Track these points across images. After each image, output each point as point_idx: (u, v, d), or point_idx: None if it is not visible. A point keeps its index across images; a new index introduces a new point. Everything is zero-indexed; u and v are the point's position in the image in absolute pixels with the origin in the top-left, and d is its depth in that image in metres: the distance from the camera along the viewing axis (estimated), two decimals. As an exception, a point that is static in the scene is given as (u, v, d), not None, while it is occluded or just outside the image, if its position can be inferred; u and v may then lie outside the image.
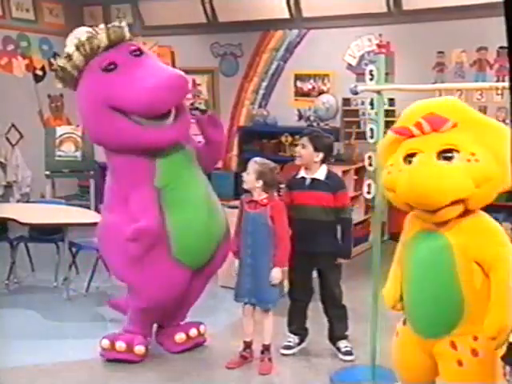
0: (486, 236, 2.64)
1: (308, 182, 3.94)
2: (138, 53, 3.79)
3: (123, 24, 3.85)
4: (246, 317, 3.90)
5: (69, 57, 3.71)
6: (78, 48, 3.67)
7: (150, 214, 3.64)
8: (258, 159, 3.82)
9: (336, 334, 4.03)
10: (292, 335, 4.09)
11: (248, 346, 3.92)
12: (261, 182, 3.73)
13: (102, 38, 3.69)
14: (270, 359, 3.85)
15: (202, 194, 3.89)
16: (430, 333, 2.71)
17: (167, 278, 3.75)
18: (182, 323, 4.16)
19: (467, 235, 2.63)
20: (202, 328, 4.14)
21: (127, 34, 3.85)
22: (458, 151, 2.58)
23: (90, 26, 3.85)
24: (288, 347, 4.05)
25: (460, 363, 2.63)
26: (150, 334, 4.06)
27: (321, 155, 3.91)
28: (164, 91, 3.54)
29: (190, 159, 3.90)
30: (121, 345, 3.86)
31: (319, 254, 3.90)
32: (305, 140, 3.93)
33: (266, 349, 3.86)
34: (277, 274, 3.72)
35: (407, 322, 2.83)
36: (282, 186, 4.18)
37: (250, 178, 3.75)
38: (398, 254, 2.88)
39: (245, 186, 3.83)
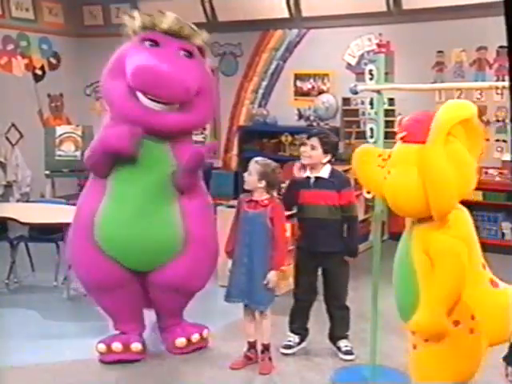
0: (436, 229, 2.77)
1: (312, 180, 3.93)
2: (187, 54, 3.83)
3: (198, 30, 3.90)
4: (246, 317, 3.88)
5: (132, 17, 3.85)
6: (142, 14, 3.84)
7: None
8: (259, 159, 3.79)
9: (337, 333, 4.03)
10: (292, 334, 4.08)
11: (252, 346, 3.90)
12: (263, 183, 3.71)
13: (165, 22, 3.77)
14: (269, 358, 3.84)
15: (151, 199, 3.75)
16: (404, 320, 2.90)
17: (88, 261, 3.80)
18: (183, 323, 4.10)
19: (426, 229, 2.80)
20: (205, 332, 4.10)
21: (194, 37, 3.86)
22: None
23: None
24: (288, 347, 4.04)
25: (414, 346, 2.86)
26: (140, 329, 4.02)
27: (329, 156, 3.93)
28: (145, 74, 3.58)
29: (165, 165, 3.79)
30: (117, 345, 3.84)
31: (324, 253, 3.89)
32: (315, 141, 3.90)
33: (265, 348, 3.85)
34: (273, 277, 3.69)
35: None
36: (284, 185, 4.18)
37: (252, 179, 3.73)
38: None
39: (246, 187, 3.80)
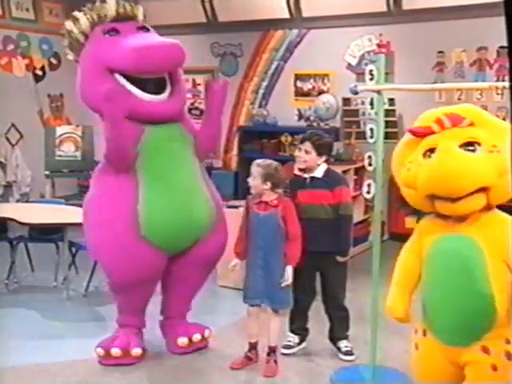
0: (508, 233, 2.53)
1: (308, 180, 3.94)
2: (146, 30, 3.89)
3: (139, 6, 3.95)
4: (250, 317, 3.85)
5: (76, 20, 3.82)
6: (85, 13, 3.81)
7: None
8: (260, 162, 3.78)
9: (336, 334, 4.03)
10: (292, 335, 4.08)
11: (253, 347, 3.90)
12: (269, 184, 3.71)
13: (110, 9, 3.80)
14: (275, 361, 3.81)
15: (185, 178, 3.84)
16: (459, 341, 2.60)
17: (134, 256, 3.70)
18: (185, 323, 4.10)
19: (493, 234, 2.57)
20: (206, 333, 4.09)
21: (139, 15, 3.93)
22: (479, 144, 2.56)
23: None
24: (288, 347, 4.04)
25: (495, 368, 2.54)
26: (141, 323, 4.01)
27: (324, 158, 3.94)
28: (149, 51, 3.59)
29: (182, 141, 3.89)
30: (116, 351, 3.81)
31: (319, 253, 3.88)
32: (308, 146, 3.90)
33: (272, 351, 3.82)
34: (291, 272, 3.71)
35: (429, 332, 2.70)
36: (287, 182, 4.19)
37: (256, 183, 3.73)
38: (408, 263, 2.77)
39: (253, 191, 3.78)
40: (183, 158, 3.89)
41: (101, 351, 3.84)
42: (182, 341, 3.98)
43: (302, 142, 3.97)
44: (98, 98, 3.64)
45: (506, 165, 2.48)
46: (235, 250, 3.86)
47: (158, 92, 3.78)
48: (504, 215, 2.66)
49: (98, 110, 3.76)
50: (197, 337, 4.04)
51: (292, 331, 4.09)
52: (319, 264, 3.97)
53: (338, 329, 4.02)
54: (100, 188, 3.88)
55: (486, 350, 2.55)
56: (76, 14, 3.84)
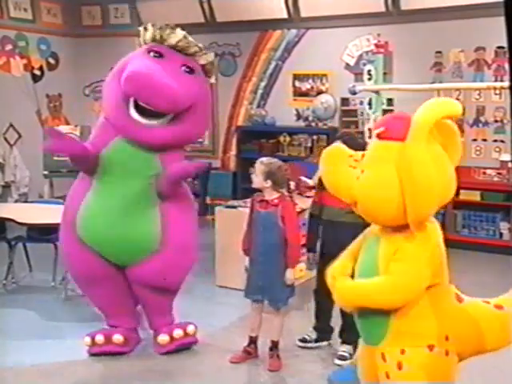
0: (408, 239, 2.52)
1: None
2: (187, 69, 3.91)
3: (206, 51, 4.02)
4: (253, 312, 3.93)
5: (145, 29, 3.98)
6: (154, 27, 3.94)
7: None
8: (264, 159, 3.84)
9: (343, 337, 4.03)
10: (312, 330, 4.15)
11: (253, 341, 3.95)
12: (270, 182, 3.75)
13: (174, 38, 3.90)
14: (278, 356, 3.88)
15: (132, 197, 3.84)
16: (369, 341, 2.71)
17: (72, 254, 3.99)
18: (171, 324, 4.10)
19: (396, 238, 2.55)
20: (189, 329, 4.05)
21: (200, 58, 3.98)
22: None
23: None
24: (304, 340, 4.12)
25: (387, 376, 2.59)
26: (131, 323, 4.09)
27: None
28: (130, 79, 3.67)
29: (147, 165, 3.85)
30: (99, 338, 3.98)
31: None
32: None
33: (274, 346, 3.89)
34: (289, 275, 3.75)
35: None
36: (292, 183, 4.20)
37: (257, 180, 3.78)
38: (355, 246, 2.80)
39: (254, 186, 3.85)
40: (140, 180, 3.85)
41: (88, 339, 4.01)
42: (162, 338, 3.98)
43: (333, 141, 3.97)
44: (105, 99, 3.96)
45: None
46: (242, 247, 3.94)
47: (153, 116, 3.76)
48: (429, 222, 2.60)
49: (103, 106, 4.01)
50: (178, 333, 3.99)
51: (314, 328, 4.16)
52: None
53: (345, 332, 4.00)
54: (72, 186, 4.18)
55: (383, 357, 2.60)
56: (148, 25, 3.97)
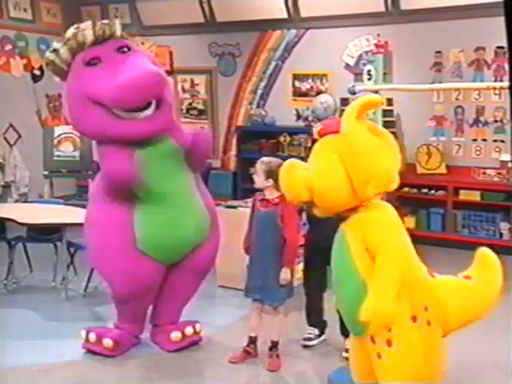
0: (370, 225, 2.82)
1: None
2: (126, 49, 3.86)
3: (114, 21, 3.93)
4: (253, 312, 3.94)
5: (56, 51, 3.83)
6: (64, 43, 3.81)
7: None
8: (264, 159, 3.86)
9: (344, 331, 4.03)
10: (311, 328, 4.16)
11: (252, 341, 3.95)
12: (271, 181, 3.75)
13: (88, 34, 3.79)
14: (277, 355, 3.89)
15: (177, 193, 3.89)
16: (356, 331, 2.88)
17: (132, 269, 3.81)
18: (177, 322, 4.14)
19: (357, 227, 2.85)
20: (197, 326, 4.14)
21: (117, 31, 3.91)
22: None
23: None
24: (309, 339, 4.12)
25: (379, 356, 2.78)
26: (138, 331, 4.10)
27: None
28: (132, 89, 3.59)
29: (172, 155, 3.89)
30: (92, 336, 3.99)
31: (330, 249, 3.89)
32: None
33: (274, 345, 3.90)
34: (285, 275, 3.76)
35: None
36: None
37: (259, 179, 3.81)
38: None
39: (256, 186, 3.87)
40: (175, 174, 3.90)
41: (83, 333, 4.02)
42: (176, 335, 4.02)
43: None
44: (87, 125, 3.85)
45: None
46: (243, 246, 3.95)
47: (141, 109, 3.73)
48: (374, 209, 2.90)
49: (89, 137, 4.02)
50: (189, 330, 4.08)
51: (311, 325, 4.16)
52: (329, 259, 3.98)
53: (344, 327, 4.01)
54: (98, 204, 3.93)
55: (372, 339, 2.80)
56: (56, 45, 3.83)
